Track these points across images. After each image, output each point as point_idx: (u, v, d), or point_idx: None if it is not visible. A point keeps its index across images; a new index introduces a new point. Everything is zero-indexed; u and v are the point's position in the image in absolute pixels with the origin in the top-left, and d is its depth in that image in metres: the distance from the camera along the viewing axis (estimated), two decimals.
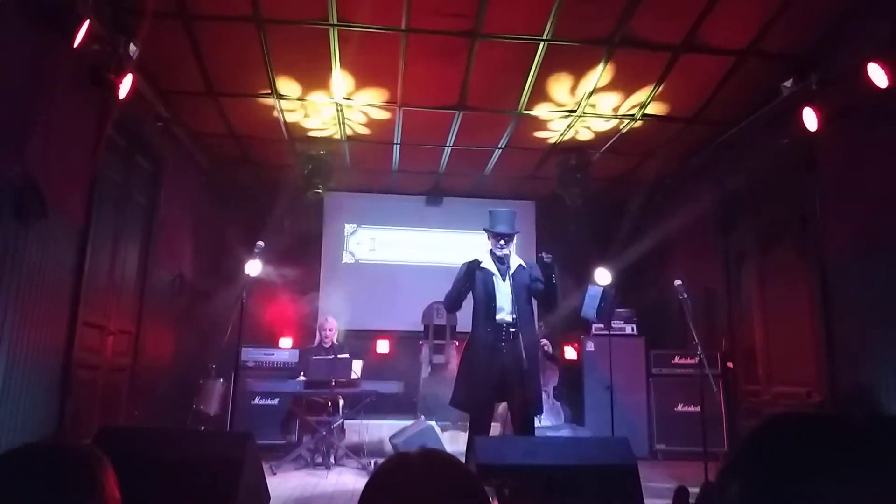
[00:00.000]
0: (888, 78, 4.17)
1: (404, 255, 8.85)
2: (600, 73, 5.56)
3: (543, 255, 4.33)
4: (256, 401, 6.50)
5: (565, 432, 6.29)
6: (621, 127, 6.58)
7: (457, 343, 7.28)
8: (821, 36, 5.04)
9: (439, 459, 1.00)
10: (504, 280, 4.32)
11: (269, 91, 5.88)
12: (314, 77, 5.67)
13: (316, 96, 5.99)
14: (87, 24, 3.86)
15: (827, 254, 5.22)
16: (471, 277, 4.32)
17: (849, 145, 4.92)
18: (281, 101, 6.08)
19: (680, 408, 6.73)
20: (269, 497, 3.99)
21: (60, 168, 4.41)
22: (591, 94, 5.88)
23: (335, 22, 4.84)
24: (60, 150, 4.40)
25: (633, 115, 6.29)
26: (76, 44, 3.85)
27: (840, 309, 5.06)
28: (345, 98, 6.01)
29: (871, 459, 0.70)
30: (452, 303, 4.44)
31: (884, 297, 4.52)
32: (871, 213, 4.68)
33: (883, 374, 4.51)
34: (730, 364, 6.74)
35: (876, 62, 4.19)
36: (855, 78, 4.36)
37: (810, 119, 4.90)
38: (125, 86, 4.41)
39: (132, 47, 4.41)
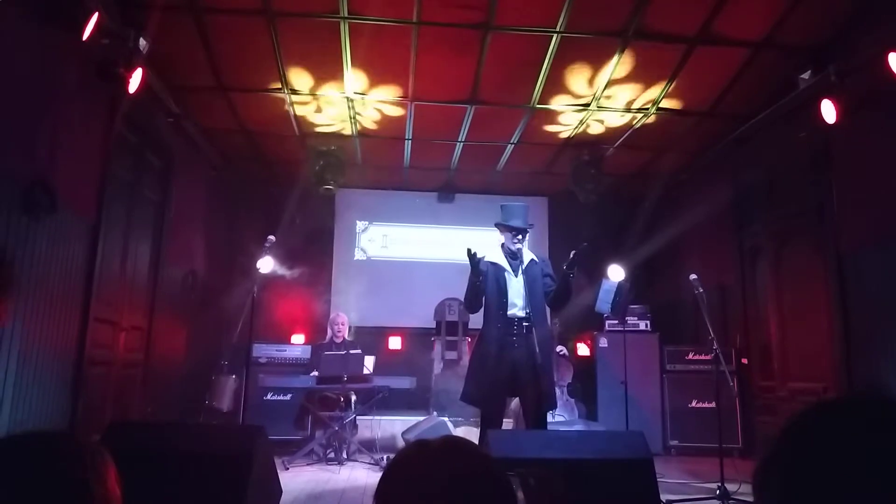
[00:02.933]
0: None
1: (416, 251, 8.83)
2: (614, 66, 5.49)
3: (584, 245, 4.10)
4: (269, 396, 6.49)
5: (579, 428, 6.24)
6: (635, 121, 6.51)
7: (469, 339, 7.25)
8: (839, 26, 4.95)
9: (461, 447, 0.96)
10: (517, 275, 4.27)
11: (280, 86, 5.86)
12: (325, 71, 5.65)
13: (327, 91, 5.96)
14: (95, 17, 3.84)
15: (843, 248, 5.14)
16: (476, 270, 4.12)
17: (867, 137, 4.82)
18: (292, 95, 6.06)
19: (694, 404, 6.66)
20: (280, 491, 3.97)
21: (70, 163, 4.40)
22: (604, 87, 5.81)
23: (346, 15, 4.81)
24: (70, 145, 4.39)
25: (647, 109, 6.22)
26: (85, 37, 3.83)
27: (857, 303, 4.97)
28: (356, 93, 5.98)
29: None
30: (472, 302, 4.29)
31: None
32: (888, 205, 4.59)
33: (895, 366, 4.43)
34: (744, 360, 6.66)
35: None
36: (875, 68, 4.27)
37: (829, 111, 4.79)
38: (135, 80, 4.39)
39: (142, 41, 4.39)
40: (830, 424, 0.67)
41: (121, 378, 5.46)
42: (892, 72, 4.13)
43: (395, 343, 8.10)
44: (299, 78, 5.77)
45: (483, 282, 4.20)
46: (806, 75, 5.16)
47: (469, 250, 4.04)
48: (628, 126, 6.64)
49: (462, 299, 6.94)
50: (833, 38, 5.05)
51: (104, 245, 4.97)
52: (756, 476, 0.72)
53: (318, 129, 6.85)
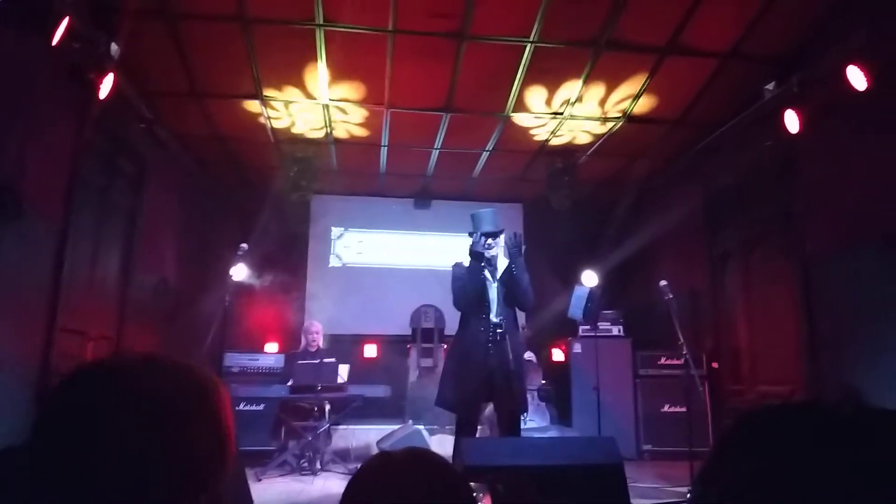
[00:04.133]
0: (867, 80, 4.22)
1: (392, 258, 8.81)
2: (587, 75, 5.56)
3: (515, 233, 4.29)
4: (241, 406, 6.39)
5: (552, 433, 6.27)
6: (608, 129, 6.60)
7: (445, 346, 7.25)
8: (801, 39, 5.10)
9: (424, 458, 0.97)
10: (493, 281, 4.30)
11: (255, 92, 5.82)
12: (300, 78, 5.64)
13: (302, 97, 5.94)
14: (66, 21, 3.80)
15: (809, 252, 5.27)
16: (479, 262, 4.23)
17: (829, 146, 4.97)
18: (266, 102, 6.03)
19: (666, 408, 6.73)
20: None
21: (38, 169, 4.32)
22: (578, 96, 5.88)
23: (321, 22, 4.81)
24: (39, 150, 4.31)
25: (619, 117, 6.30)
26: (55, 42, 3.78)
27: (822, 306, 5.10)
28: (331, 99, 5.97)
29: (861, 452, 0.66)
30: (469, 298, 4.26)
31: (864, 294, 4.57)
32: (852, 211, 4.74)
33: (865, 370, 4.54)
34: (715, 364, 6.76)
35: (855, 65, 4.26)
36: (835, 80, 4.41)
37: (792, 121, 4.95)
38: (106, 85, 4.34)
39: (114, 46, 4.34)
40: (766, 433, 0.69)
41: None
42: (851, 84, 4.27)
43: (370, 351, 8.05)
44: (274, 84, 5.74)
45: (476, 278, 4.25)
46: (771, 86, 5.29)
47: (480, 244, 4.22)
48: (601, 134, 6.72)
49: (437, 306, 6.97)
50: (796, 51, 5.20)
51: (72, 252, 4.87)
52: (693, 487, 0.73)
53: (293, 136, 6.82)
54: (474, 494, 0.95)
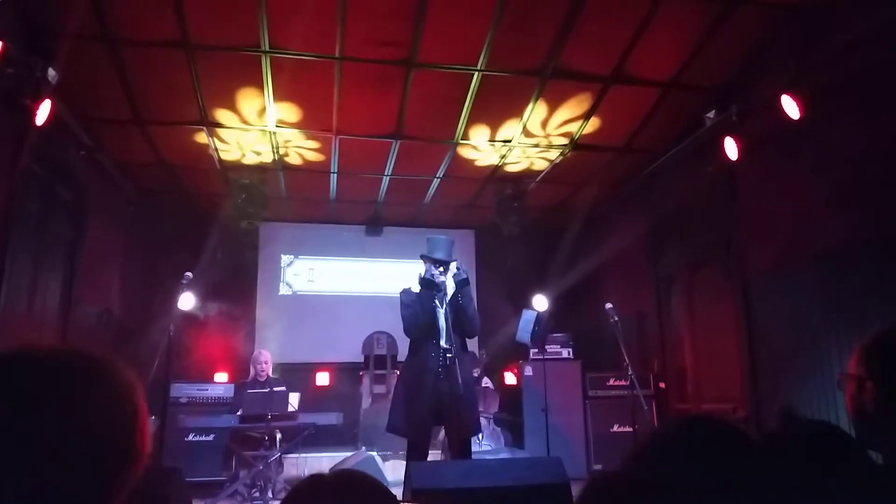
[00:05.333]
0: (799, 109, 4.43)
1: (344, 285, 8.75)
2: (534, 104, 5.69)
3: (461, 269, 4.40)
4: (191, 437, 6.23)
5: (503, 455, 6.27)
6: (555, 156, 6.74)
7: (397, 372, 7.21)
8: (739, 69, 5.33)
9: (355, 480, 0.98)
10: (442, 307, 4.33)
11: (200, 119, 5.76)
12: (246, 104, 5.60)
13: (248, 124, 5.90)
14: None
15: (748, 274, 5.46)
16: (429, 292, 4.27)
17: (766, 172, 5.19)
18: (212, 129, 5.96)
19: (616, 428, 6.79)
20: None
21: None
22: (525, 124, 6.01)
23: (267, 49, 4.81)
24: None
25: (566, 144, 6.45)
26: None
27: (761, 326, 5.28)
28: (278, 126, 5.94)
29: (761, 477, 0.71)
30: (420, 326, 4.29)
31: (799, 315, 4.76)
32: (787, 235, 4.94)
33: (800, 388, 4.71)
34: (662, 384, 6.89)
35: (788, 94, 4.45)
36: (771, 109, 4.60)
37: (731, 148, 5.14)
38: (43, 112, 4.22)
39: (51, 72, 4.23)
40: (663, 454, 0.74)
41: None
42: (785, 112, 4.47)
43: (322, 379, 7.94)
44: (220, 111, 5.69)
45: (427, 306, 4.27)
46: (711, 114, 5.48)
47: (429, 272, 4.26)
48: (549, 161, 6.86)
49: (389, 332, 6.94)
50: (734, 80, 5.41)
51: (8, 284, 4.70)
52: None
53: (240, 162, 6.74)
54: None
